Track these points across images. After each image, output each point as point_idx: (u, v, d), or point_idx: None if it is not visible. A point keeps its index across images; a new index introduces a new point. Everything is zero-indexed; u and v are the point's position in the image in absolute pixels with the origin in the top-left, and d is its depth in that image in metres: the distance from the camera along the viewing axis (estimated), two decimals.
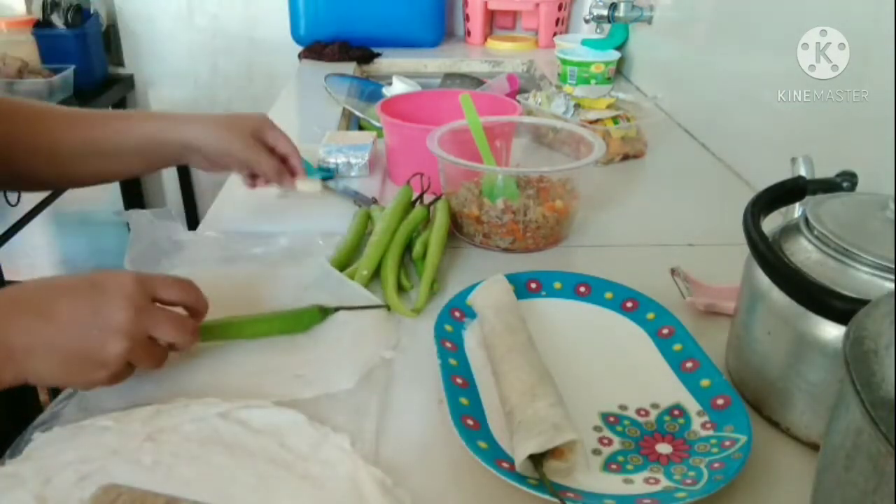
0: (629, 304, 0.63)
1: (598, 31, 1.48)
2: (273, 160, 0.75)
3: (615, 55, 1.45)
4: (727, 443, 0.47)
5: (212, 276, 0.67)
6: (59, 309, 0.47)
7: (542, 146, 1.05)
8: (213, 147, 0.72)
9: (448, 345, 0.57)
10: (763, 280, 0.49)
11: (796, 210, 0.58)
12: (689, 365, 0.55)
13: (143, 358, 0.50)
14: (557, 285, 0.66)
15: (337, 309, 0.62)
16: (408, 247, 0.73)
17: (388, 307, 0.64)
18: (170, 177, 2.16)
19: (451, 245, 0.76)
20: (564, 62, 1.44)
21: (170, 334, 0.50)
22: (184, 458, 0.46)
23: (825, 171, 0.57)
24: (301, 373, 0.55)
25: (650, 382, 0.54)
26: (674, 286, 0.67)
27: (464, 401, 0.51)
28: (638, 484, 0.45)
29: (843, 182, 0.55)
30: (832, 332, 0.45)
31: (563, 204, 0.76)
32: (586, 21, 1.51)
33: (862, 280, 0.44)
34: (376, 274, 0.68)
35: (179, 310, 0.53)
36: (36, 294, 0.48)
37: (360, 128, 1.33)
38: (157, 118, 0.74)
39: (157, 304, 0.51)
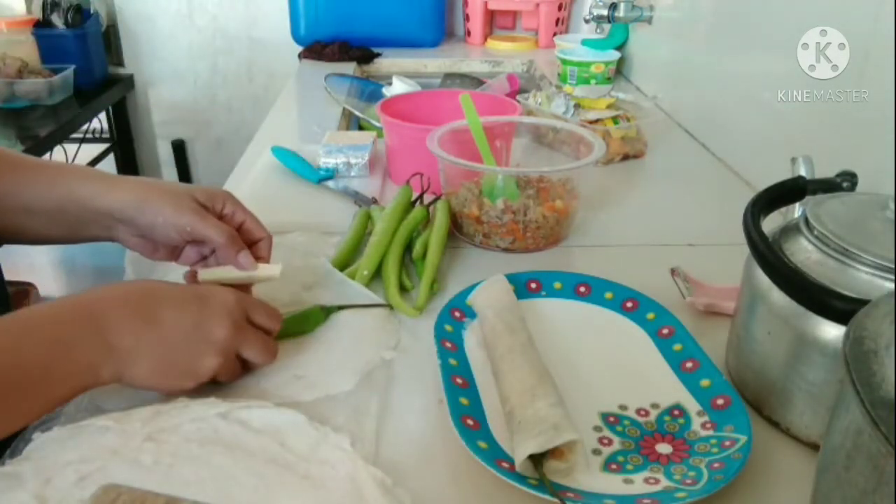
0: (629, 304, 0.63)
1: (598, 31, 1.48)
2: (226, 225, 0.58)
3: (615, 55, 1.45)
4: (727, 443, 0.47)
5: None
6: (164, 316, 0.49)
7: (542, 146, 1.05)
8: (153, 215, 0.56)
9: (448, 345, 0.57)
10: (763, 280, 0.49)
11: (796, 210, 0.58)
12: (689, 365, 0.55)
13: (228, 373, 0.52)
14: (557, 285, 0.66)
15: (340, 308, 0.62)
16: (408, 247, 0.73)
17: (390, 306, 0.64)
18: (169, 177, 2.16)
19: (451, 245, 0.76)
20: (564, 62, 1.44)
21: (257, 356, 0.53)
22: (184, 458, 0.46)
23: (825, 171, 0.57)
24: (301, 374, 0.55)
25: (650, 382, 0.54)
26: (674, 286, 0.67)
27: (464, 401, 0.51)
28: (638, 484, 0.45)
29: (843, 182, 0.55)
30: (832, 332, 0.45)
31: (563, 204, 0.76)
32: (586, 21, 1.51)
33: (862, 280, 0.44)
34: (377, 274, 0.68)
35: None
36: (144, 297, 0.50)
37: (360, 128, 1.33)
38: (89, 175, 0.59)
39: (251, 325, 0.53)
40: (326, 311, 0.62)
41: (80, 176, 0.59)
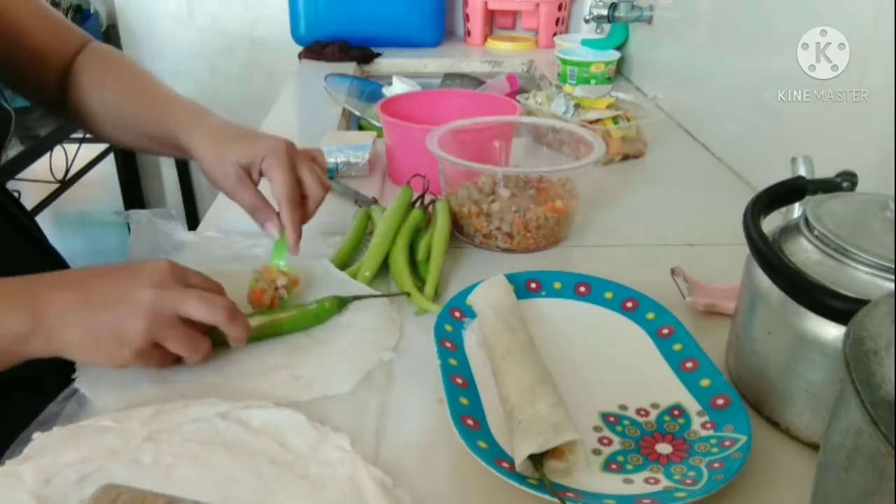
0: (629, 304, 0.63)
1: (598, 31, 1.48)
2: (249, 197, 0.63)
3: (615, 55, 1.45)
4: (727, 443, 0.47)
5: (212, 276, 0.67)
6: (92, 284, 0.51)
7: (542, 146, 1.05)
8: (203, 166, 0.65)
9: (448, 345, 0.57)
10: (763, 280, 0.49)
11: (796, 210, 0.58)
12: (689, 365, 0.55)
13: (173, 339, 0.51)
14: (557, 285, 0.66)
15: (355, 298, 0.63)
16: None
17: (407, 294, 0.65)
18: (170, 177, 2.16)
19: (452, 245, 0.76)
20: (564, 62, 1.44)
21: (199, 312, 0.51)
22: (184, 458, 0.46)
23: (825, 171, 0.57)
24: (299, 374, 0.55)
25: (650, 382, 0.54)
26: (674, 286, 0.67)
27: (464, 401, 0.51)
28: (638, 484, 0.45)
29: (843, 182, 0.55)
30: (832, 332, 0.45)
31: (563, 204, 0.76)
32: (586, 21, 1.51)
33: (862, 280, 0.44)
34: (379, 274, 0.69)
35: None
36: (78, 272, 0.52)
37: (360, 128, 1.33)
38: (192, 118, 0.68)
39: (187, 286, 0.52)
40: (341, 303, 0.62)
41: (178, 115, 0.68)
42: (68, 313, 0.49)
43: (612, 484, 0.45)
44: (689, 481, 0.44)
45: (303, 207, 0.64)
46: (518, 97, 1.10)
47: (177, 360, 0.54)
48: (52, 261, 0.77)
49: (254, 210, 0.64)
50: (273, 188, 0.62)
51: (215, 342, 0.57)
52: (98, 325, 0.49)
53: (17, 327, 0.48)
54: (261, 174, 0.63)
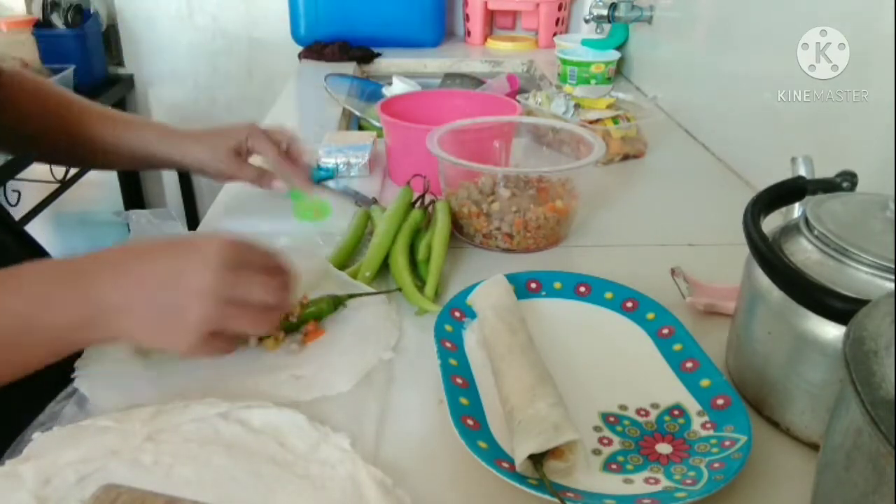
0: (629, 304, 0.63)
1: (598, 31, 1.48)
2: (251, 170, 0.81)
3: (615, 55, 1.45)
4: (727, 443, 0.47)
5: None
6: (146, 269, 0.47)
7: (542, 146, 1.05)
8: (200, 165, 0.80)
9: (448, 345, 0.57)
10: (763, 280, 0.49)
11: (796, 210, 0.58)
12: (689, 365, 0.55)
13: (238, 320, 0.48)
14: (557, 285, 0.66)
15: (350, 296, 0.63)
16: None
17: (399, 289, 0.65)
18: (170, 177, 2.16)
19: (452, 245, 0.76)
20: (564, 62, 1.44)
21: (262, 296, 0.48)
22: (184, 458, 0.46)
23: (825, 171, 0.57)
24: (300, 374, 0.55)
25: (650, 382, 0.54)
26: (674, 286, 0.67)
27: (464, 401, 0.51)
28: (638, 484, 0.45)
29: (843, 182, 0.55)
30: (832, 332, 0.45)
31: (563, 204, 0.76)
32: (586, 21, 1.51)
33: (862, 280, 0.44)
34: (380, 275, 0.69)
35: None
36: (124, 256, 0.48)
37: (360, 128, 1.33)
38: (163, 134, 0.80)
39: (248, 269, 0.49)
40: (336, 302, 0.62)
41: (160, 132, 0.80)
42: (128, 301, 0.46)
43: (612, 484, 0.45)
44: (689, 481, 0.44)
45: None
46: (518, 97, 1.10)
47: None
48: (30, 247, 0.76)
49: (257, 179, 0.80)
50: (264, 155, 0.80)
51: None
52: (159, 313, 0.46)
53: (72, 316, 0.45)
54: (248, 152, 0.80)
